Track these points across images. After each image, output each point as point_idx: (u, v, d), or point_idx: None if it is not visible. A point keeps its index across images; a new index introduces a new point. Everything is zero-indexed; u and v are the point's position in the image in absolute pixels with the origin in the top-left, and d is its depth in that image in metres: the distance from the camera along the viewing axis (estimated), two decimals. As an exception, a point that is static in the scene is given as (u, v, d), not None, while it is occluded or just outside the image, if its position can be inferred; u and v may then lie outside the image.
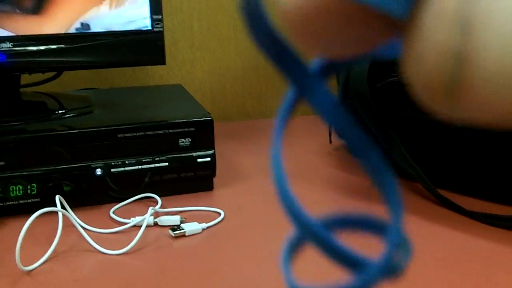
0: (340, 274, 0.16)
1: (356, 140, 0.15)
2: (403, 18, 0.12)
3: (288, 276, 0.17)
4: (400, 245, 0.16)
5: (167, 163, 0.74)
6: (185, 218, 0.67)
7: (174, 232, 0.64)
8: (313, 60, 0.16)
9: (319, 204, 0.73)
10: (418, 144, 0.75)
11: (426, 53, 0.11)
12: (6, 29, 0.73)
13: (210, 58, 1.15)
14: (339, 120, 0.15)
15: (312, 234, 0.15)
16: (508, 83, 0.11)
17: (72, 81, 1.07)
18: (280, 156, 0.16)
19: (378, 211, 0.70)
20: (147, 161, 0.73)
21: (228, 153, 0.91)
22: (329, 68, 0.16)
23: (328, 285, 0.15)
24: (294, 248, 0.17)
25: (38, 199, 0.69)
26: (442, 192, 0.71)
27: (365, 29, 0.13)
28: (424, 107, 0.12)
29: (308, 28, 0.13)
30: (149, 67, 1.11)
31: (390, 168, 0.16)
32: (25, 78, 0.84)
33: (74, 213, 0.65)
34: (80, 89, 1.02)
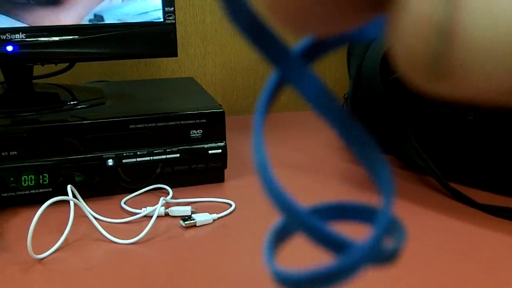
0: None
1: (344, 125, 0.15)
2: None
3: (271, 261, 0.16)
4: (391, 230, 0.15)
5: (178, 155, 0.74)
6: (196, 209, 0.67)
7: (185, 222, 0.64)
8: (295, 44, 0.16)
9: (331, 197, 0.72)
10: (429, 137, 0.75)
11: (409, 26, 0.11)
12: (20, 20, 0.74)
13: (221, 52, 1.15)
14: (325, 104, 0.15)
15: (294, 216, 0.15)
16: (495, 55, 0.10)
17: (85, 74, 1.07)
18: (262, 142, 0.16)
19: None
20: (159, 152, 0.73)
21: (240, 146, 0.91)
22: (312, 51, 0.16)
23: (310, 269, 0.14)
24: (279, 235, 0.17)
25: (50, 189, 0.69)
26: (453, 185, 0.71)
27: (348, 5, 0.12)
28: (408, 83, 0.12)
29: (289, 7, 0.13)
30: (161, 60, 1.12)
31: (379, 151, 0.15)
32: (38, 70, 0.85)
33: (86, 203, 0.65)
34: (93, 82, 1.03)
